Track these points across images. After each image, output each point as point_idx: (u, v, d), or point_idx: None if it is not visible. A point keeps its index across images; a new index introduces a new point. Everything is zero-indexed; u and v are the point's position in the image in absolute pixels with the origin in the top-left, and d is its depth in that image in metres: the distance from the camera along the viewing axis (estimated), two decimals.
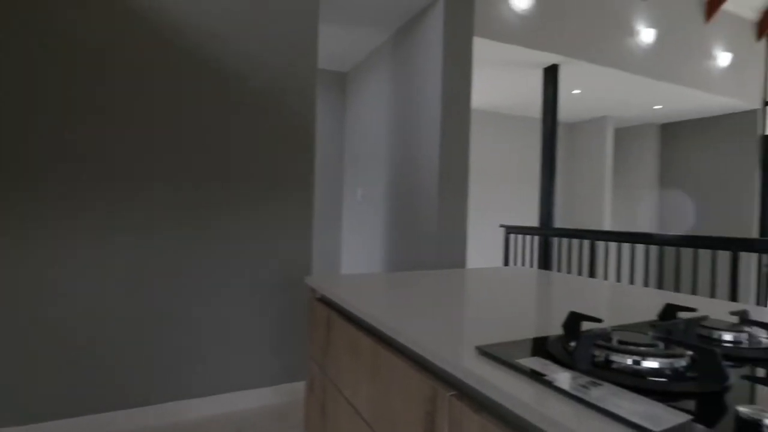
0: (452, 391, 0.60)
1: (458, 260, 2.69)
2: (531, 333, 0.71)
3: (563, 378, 0.50)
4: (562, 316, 0.85)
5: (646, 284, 3.25)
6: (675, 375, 0.50)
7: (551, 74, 3.97)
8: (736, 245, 2.79)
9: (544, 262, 3.86)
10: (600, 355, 0.54)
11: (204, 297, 2.02)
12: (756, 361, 0.58)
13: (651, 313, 0.87)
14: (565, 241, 3.74)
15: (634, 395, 0.45)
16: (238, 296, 2.08)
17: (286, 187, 2.17)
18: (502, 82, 4.58)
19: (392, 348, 0.78)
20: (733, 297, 2.83)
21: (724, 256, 2.80)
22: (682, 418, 0.40)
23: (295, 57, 2.17)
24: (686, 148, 6.25)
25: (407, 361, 0.71)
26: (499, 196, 5.98)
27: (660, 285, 3.11)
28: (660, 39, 4.39)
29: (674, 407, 0.43)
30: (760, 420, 0.34)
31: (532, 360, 0.56)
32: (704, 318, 0.66)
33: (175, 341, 1.98)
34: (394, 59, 3.24)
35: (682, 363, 0.51)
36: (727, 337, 0.64)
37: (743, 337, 0.63)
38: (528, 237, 4.05)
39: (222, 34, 2.02)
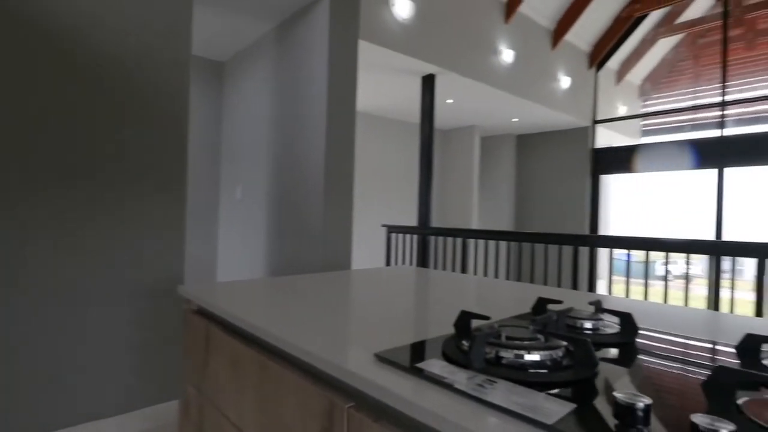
0: (350, 402, 0.57)
1: (344, 261, 2.68)
2: (425, 334, 0.72)
3: (461, 379, 0.50)
4: (452, 314, 0.88)
5: (507, 277, 3.65)
6: (554, 365, 0.54)
7: (429, 83, 4.23)
8: (576, 241, 3.30)
9: (423, 260, 4.09)
10: (490, 352, 0.56)
11: (55, 311, 1.68)
12: (610, 345, 0.67)
13: (525, 307, 0.95)
14: (440, 239, 4.01)
15: (526, 389, 0.48)
16: (99, 310, 1.77)
17: (155, 183, 1.92)
18: (385, 86, 4.73)
19: (282, 361, 0.72)
20: (574, 285, 3.34)
21: (567, 250, 3.29)
22: (568, 407, 0.44)
23: (167, 40, 1.93)
24: (537, 156, 7.21)
25: (300, 374, 0.66)
26: (381, 197, 6.18)
27: (519, 277, 3.52)
28: (518, 60, 4.97)
29: (560, 397, 0.47)
30: (634, 404, 0.38)
31: (430, 363, 0.56)
32: (570, 309, 0.74)
33: (20, 366, 1.60)
34: (278, 53, 3.11)
35: (559, 353, 0.56)
36: (588, 325, 0.73)
37: (600, 324, 0.73)
38: (408, 236, 4.25)
39: (83, 11, 1.70)
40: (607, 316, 0.75)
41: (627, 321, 0.70)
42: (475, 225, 6.54)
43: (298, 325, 0.76)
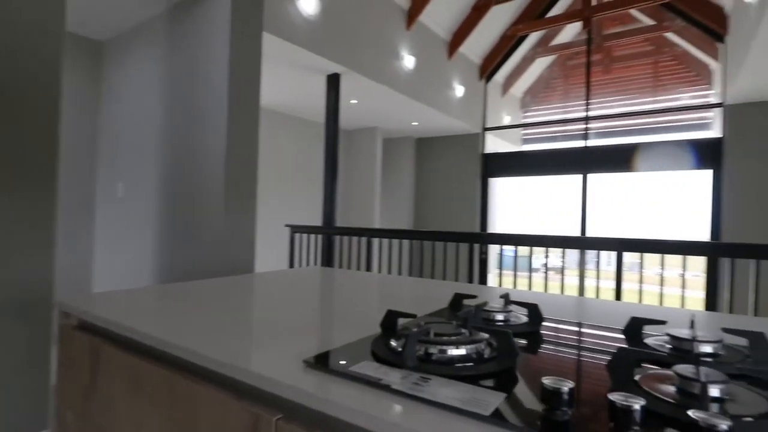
0: (279, 414, 0.54)
1: (247, 264, 2.54)
2: (350, 336, 0.71)
3: (396, 379, 0.50)
4: (372, 314, 0.88)
5: (410, 273, 3.79)
6: (480, 358, 0.57)
7: (334, 82, 4.21)
8: (471, 239, 3.54)
9: (328, 260, 4.06)
10: (420, 349, 0.57)
11: None
12: (521, 335, 0.72)
13: (441, 302, 0.99)
14: (345, 238, 4.02)
15: (459, 384, 0.49)
16: None
17: (20, 180, 1.62)
18: (290, 83, 4.59)
19: (195, 377, 0.65)
20: (470, 279, 3.59)
21: (461, 247, 3.51)
22: (500, 397, 0.46)
23: (35, 11, 1.64)
24: (434, 159, 7.61)
25: (218, 390, 0.60)
26: (285, 196, 5.99)
27: (421, 273, 3.67)
28: (418, 66, 5.19)
29: (490, 388, 0.49)
30: (560, 388, 0.41)
31: (363, 365, 0.55)
32: (485, 303, 0.79)
33: None
34: (172, 37, 2.83)
35: (482, 346, 0.59)
36: (500, 317, 0.78)
37: (510, 315, 0.79)
38: (312, 236, 4.18)
39: None
40: (516, 308, 0.81)
41: (534, 311, 0.77)
42: (377, 224, 6.68)
43: (209, 336, 0.70)
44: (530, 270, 3.41)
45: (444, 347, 0.57)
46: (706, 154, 5.79)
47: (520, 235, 3.42)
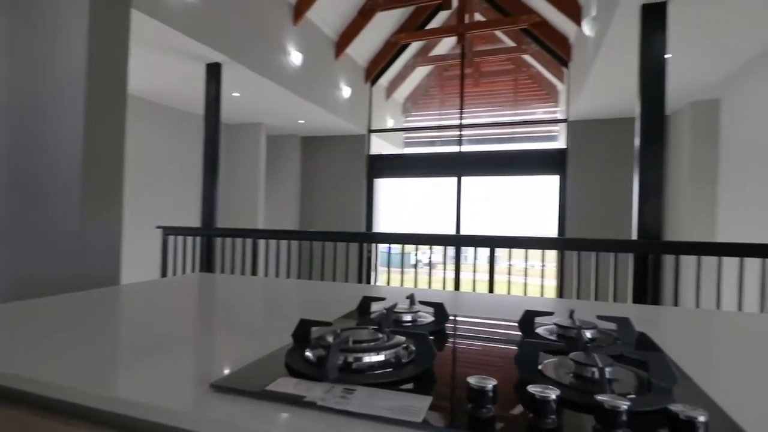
0: None
1: (110, 274, 2.21)
2: (257, 350, 0.65)
3: (320, 394, 0.48)
4: (276, 322, 0.83)
5: (299, 276, 3.70)
6: (399, 363, 0.57)
7: (214, 72, 3.90)
8: (361, 238, 3.60)
9: (208, 264, 3.75)
10: (338, 358, 0.55)
11: None
12: (429, 334, 0.74)
13: (346, 306, 0.98)
14: (228, 240, 3.76)
15: (385, 391, 0.49)
16: None
17: None
18: (165, 70, 4.12)
19: (62, 416, 0.54)
20: (360, 279, 3.64)
21: (353, 247, 3.55)
22: (427, 400, 0.46)
23: None
24: (320, 158, 7.56)
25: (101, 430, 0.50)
26: (158, 195, 5.37)
27: (310, 275, 3.61)
28: (305, 64, 5.10)
29: (415, 392, 0.49)
30: (485, 386, 0.43)
31: (280, 383, 0.51)
32: (395, 305, 0.80)
33: None
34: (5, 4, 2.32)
35: (401, 350, 0.59)
36: (408, 318, 0.80)
37: (418, 315, 0.81)
38: (189, 239, 3.83)
39: None
40: (422, 307, 0.83)
41: (440, 310, 0.80)
42: (261, 225, 6.40)
43: (72, 363, 0.58)
44: (412, 265, 3.60)
45: (364, 355, 0.56)
46: (555, 161, 6.73)
47: (406, 234, 3.58)
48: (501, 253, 3.27)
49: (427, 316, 0.82)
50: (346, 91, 6.17)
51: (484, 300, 1.13)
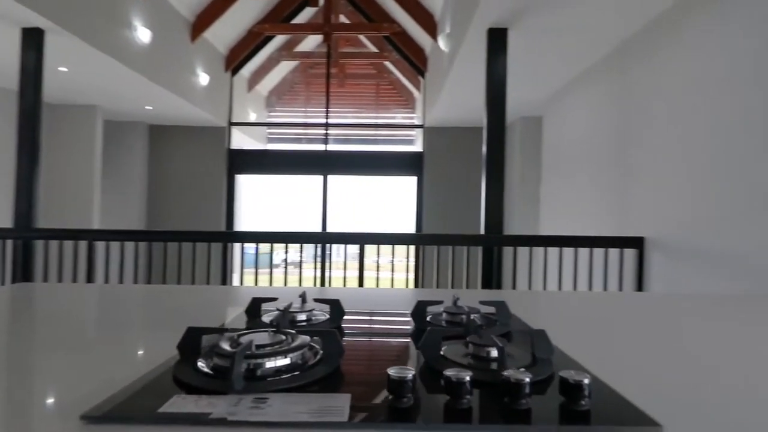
0: None
1: None
2: (131, 369, 0.55)
3: (228, 408, 0.43)
4: (142, 334, 0.72)
5: (149, 281, 3.28)
6: (306, 364, 0.54)
7: (34, 39, 3.19)
8: (222, 238, 3.35)
9: (25, 272, 3.06)
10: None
11: None
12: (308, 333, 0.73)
13: (220, 310, 0.90)
14: (54, 243, 3.13)
15: (298, 395, 0.46)
16: None
17: None
18: None
19: None
20: (224, 281, 3.39)
21: (216, 248, 3.29)
22: (345, 398, 0.45)
23: None
24: (174, 150, 6.80)
25: None
26: None
27: (164, 279, 3.23)
28: (155, 42, 4.53)
29: (332, 392, 0.48)
30: (405, 377, 0.44)
31: (175, 402, 0.44)
32: (290, 305, 0.76)
33: None
34: None
35: (306, 351, 0.56)
36: (302, 317, 0.77)
37: (312, 314, 0.78)
38: None
39: None
40: (317, 305, 0.81)
41: (336, 307, 0.79)
42: (98, 224, 5.47)
43: None
44: (285, 265, 3.50)
45: (268, 360, 0.52)
46: (413, 164, 7.24)
47: (273, 233, 3.45)
48: (370, 250, 3.39)
49: (321, 314, 0.80)
50: (203, 78, 5.66)
51: (370, 294, 1.16)
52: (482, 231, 3.36)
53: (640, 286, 3.14)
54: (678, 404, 0.48)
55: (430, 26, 5.60)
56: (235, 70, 6.83)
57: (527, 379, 0.44)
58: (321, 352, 0.57)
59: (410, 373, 0.45)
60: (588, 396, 0.44)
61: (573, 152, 4.49)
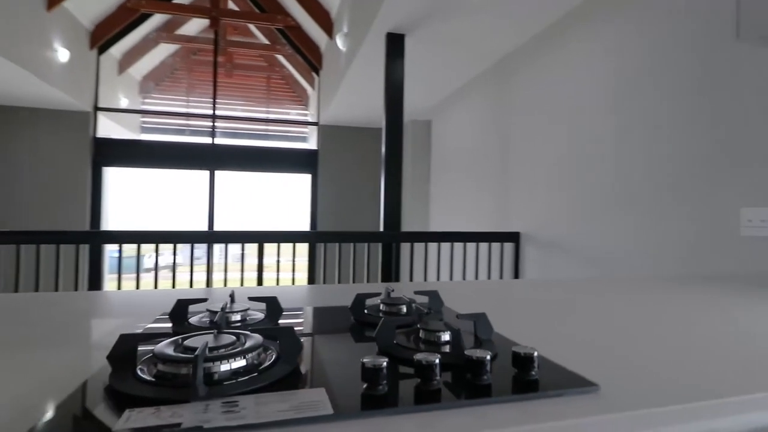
0: None
1: None
2: (55, 392, 0.47)
3: (199, 416, 0.39)
4: (44, 352, 0.61)
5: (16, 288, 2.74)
6: (262, 363, 0.52)
7: None
8: (81, 238, 2.93)
9: None
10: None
11: None
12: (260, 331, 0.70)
13: (159, 311, 0.80)
14: None
15: (271, 395, 0.44)
16: None
17: None
18: None
19: None
20: (92, 286, 2.96)
21: (83, 249, 2.86)
22: (320, 392, 0.45)
23: None
24: (21, 136, 5.70)
25: None
26: None
27: (16, 287, 2.73)
28: None
29: (302, 387, 0.47)
30: (381, 365, 0.45)
31: (133, 417, 0.39)
32: (226, 305, 0.71)
33: None
34: None
35: (261, 350, 0.54)
36: (237, 317, 0.73)
37: (247, 314, 0.74)
38: None
39: None
40: (252, 304, 0.77)
41: (273, 304, 0.76)
42: None
43: None
44: (150, 268, 3.19)
45: (224, 363, 0.48)
46: (308, 161, 7.15)
47: (153, 232, 3.12)
48: (251, 249, 3.26)
49: (257, 313, 0.76)
50: (62, 54, 4.86)
51: (295, 291, 1.13)
52: (382, 228, 3.47)
53: (517, 274, 3.54)
54: (602, 366, 0.56)
55: (326, 23, 5.58)
56: (102, 49, 5.99)
57: (488, 357, 0.48)
58: (273, 351, 0.55)
59: (384, 362, 0.46)
60: (537, 367, 0.50)
61: (460, 155, 4.87)
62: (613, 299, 1.05)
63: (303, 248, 6.52)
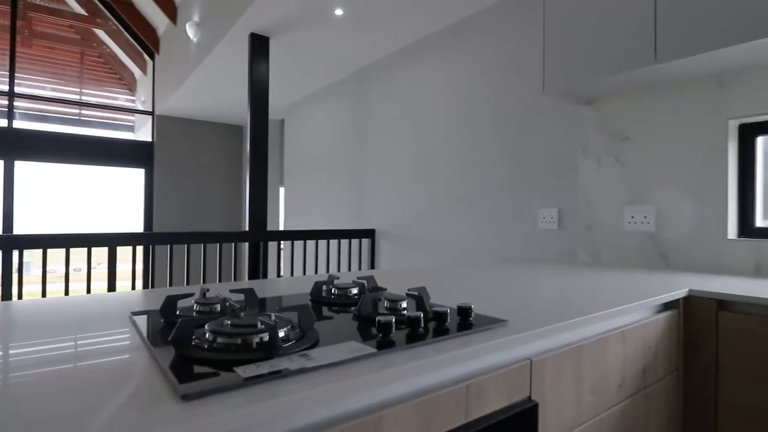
0: None
1: None
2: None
3: (294, 363, 0.55)
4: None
5: None
6: (294, 332, 0.68)
7: None
8: None
9: None
10: (261, 338, 0.61)
11: None
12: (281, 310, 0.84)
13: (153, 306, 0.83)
14: None
15: (327, 347, 0.62)
16: None
17: None
18: None
19: None
20: None
21: None
22: (357, 344, 0.65)
23: None
24: None
25: None
26: None
27: None
28: None
29: (340, 342, 0.66)
30: (390, 321, 0.67)
31: (246, 370, 0.53)
32: (217, 297, 0.82)
33: None
34: None
35: (287, 324, 0.70)
36: (218, 308, 0.83)
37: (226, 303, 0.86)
38: None
39: None
40: (232, 296, 0.88)
41: (251, 295, 0.89)
42: None
43: None
44: None
45: (281, 331, 0.64)
46: (140, 154, 6.44)
47: None
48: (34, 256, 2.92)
49: (238, 304, 0.88)
50: None
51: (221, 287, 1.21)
52: (247, 228, 3.48)
53: (373, 265, 3.96)
54: (505, 312, 0.89)
55: (168, 6, 5.15)
56: None
57: (421, 315, 0.75)
58: (295, 323, 0.72)
59: (392, 318, 0.69)
60: (472, 315, 0.79)
61: (317, 156, 5.10)
62: (485, 275, 1.44)
63: (125, 252, 5.85)
